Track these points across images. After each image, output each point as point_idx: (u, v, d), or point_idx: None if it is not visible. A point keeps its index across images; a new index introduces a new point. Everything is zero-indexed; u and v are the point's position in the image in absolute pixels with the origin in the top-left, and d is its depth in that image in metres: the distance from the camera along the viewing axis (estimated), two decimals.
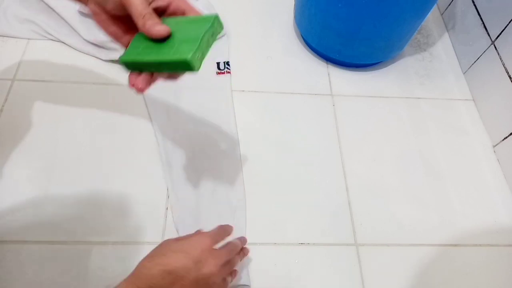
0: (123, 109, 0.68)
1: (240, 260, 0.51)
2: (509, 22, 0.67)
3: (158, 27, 0.36)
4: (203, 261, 0.43)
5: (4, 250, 0.54)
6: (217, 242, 0.47)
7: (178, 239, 0.46)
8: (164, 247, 0.44)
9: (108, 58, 0.72)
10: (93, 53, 0.72)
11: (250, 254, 0.56)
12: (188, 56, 0.35)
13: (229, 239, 0.51)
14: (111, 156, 0.63)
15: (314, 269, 0.57)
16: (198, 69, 0.37)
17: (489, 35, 0.73)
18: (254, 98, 0.73)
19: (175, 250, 0.43)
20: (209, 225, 0.58)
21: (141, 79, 0.39)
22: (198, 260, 0.43)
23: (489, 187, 0.67)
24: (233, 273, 0.49)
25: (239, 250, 0.51)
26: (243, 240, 0.53)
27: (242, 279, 0.54)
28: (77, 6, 0.74)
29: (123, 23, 0.39)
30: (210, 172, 0.63)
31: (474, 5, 0.77)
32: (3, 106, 0.66)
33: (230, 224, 0.58)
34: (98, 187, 0.60)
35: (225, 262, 0.45)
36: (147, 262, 0.42)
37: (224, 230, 0.50)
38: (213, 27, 0.37)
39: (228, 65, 0.76)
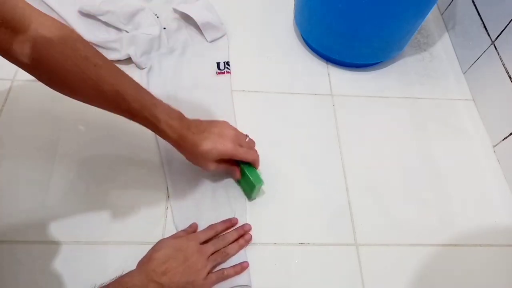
0: None
1: (242, 248, 0.56)
2: (509, 22, 0.67)
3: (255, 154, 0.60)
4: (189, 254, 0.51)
5: (4, 250, 0.54)
6: (204, 239, 0.54)
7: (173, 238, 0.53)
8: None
9: (108, 58, 0.72)
10: None
11: (250, 254, 0.56)
12: (259, 183, 0.58)
13: None
14: (111, 156, 0.63)
15: (314, 269, 0.57)
16: (252, 197, 0.62)
17: (489, 35, 0.73)
18: (254, 98, 0.73)
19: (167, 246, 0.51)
20: (208, 225, 0.58)
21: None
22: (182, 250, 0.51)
23: (489, 187, 0.67)
24: (224, 256, 0.54)
25: (233, 238, 0.56)
26: (246, 227, 0.58)
27: (242, 279, 0.54)
28: (77, 6, 0.74)
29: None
30: (210, 174, 0.63)
31: (474, 5, 0.77)
32: (3, 106, 0.66)
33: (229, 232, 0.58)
34: (98, 187, 0.60)
35: (210, 255, 0.52)
36: (153, 252, 0.50)
37: (211, 228, 0.56)
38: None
39: (228, 65, 0.76)
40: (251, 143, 0.61)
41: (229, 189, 0.62)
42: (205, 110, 0.69)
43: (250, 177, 0.57)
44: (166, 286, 0.47)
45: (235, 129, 0.58)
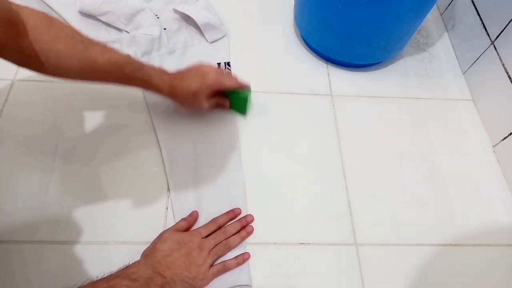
0: (123, 109, 0.68)
1: (244, 239, 0.57)
2: (509, 22, 0.68)
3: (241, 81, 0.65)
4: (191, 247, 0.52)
5: (4, 250, 0.54)
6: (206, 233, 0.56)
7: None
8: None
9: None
10: None
11: (250, 254, 0.57)
12: (248, 93, 0.66)
13: None
14: (111, 156, 0.63)
15: (314, 269, 0.57)
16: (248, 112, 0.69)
17: (488, 35, 0.73)
18: (254, 98, 0.73)
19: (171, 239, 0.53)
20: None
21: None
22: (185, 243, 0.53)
23: (488, 187, 0.67)
24: (226, 249, 0.55)
25: (235, 230, 0.57)
26: (248, 218, 0.59)
27: (243, 279, 0.54)
28: (77, 7, 0.74)
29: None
30: (211, 171, 0.63)
31: (474, 5, 0.78)
32: (3, 106, 0.66)
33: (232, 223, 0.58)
34: (98, 187, 0.60)
35: (212, 249, 0.54)
36: (158, 243, 0.52)
37: (214, 222, 0.57)
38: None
39: (229, 65, 0.76)
40: (229, 73, 0.69)
41: (230, 189, 0.62)
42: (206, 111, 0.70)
43: (239, 93, 0.65)
44: (169, 280, 0.49)
45: (212, 65, 0.63)
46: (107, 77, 0.54)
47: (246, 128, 0.69)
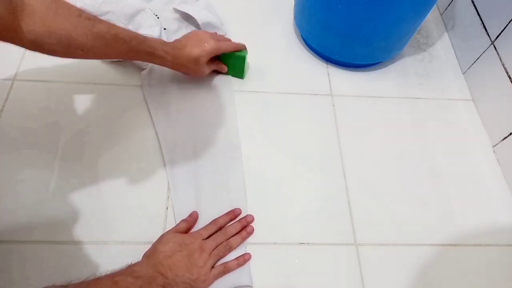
0: (123, 109, 0.68)
1: (245, 240, 0.57)
2: (509, 22, 0.68)
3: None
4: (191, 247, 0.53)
5: (4, 250, 0.54)
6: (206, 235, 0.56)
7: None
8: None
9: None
10: None
11: (250, 255, 0.57)
12: (245, 53, 0.70)
13: None
14: (112, 156, 0.63)
15: (314, 269, 0.57)
16: (245, 73, 0.74)
17: (488, 35, 0.73)
18: (254, 98, 0.73)
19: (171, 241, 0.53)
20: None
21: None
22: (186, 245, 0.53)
23: (488, 187, 0.67)
24: (227, 250, 0.56)
25: (235, 231, 0.57)
26: (248, 219, 0.59)
27: (244, 279, 0.54)
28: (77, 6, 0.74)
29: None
30: (211, 171, 0.63)
31: (474, 5, 0.78)
32: (3, 106, 0.66)
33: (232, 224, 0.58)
34: (98, 187, 0.60)
35: (213, 250, 0.54)
36: (159, 245, 0.52)
37: (214, 223, 0.57)
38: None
39: None
40: (223, 36, 0.72)
41: (230, 189, 0.62)
42: (207, 110, 0.70)
43: (236, 55, 0.69)
44: (171, 280, 0.49)
45: (208, 31, 0.68)
46: (115, 52, 0.56)
47: (246, 128, 0.69)
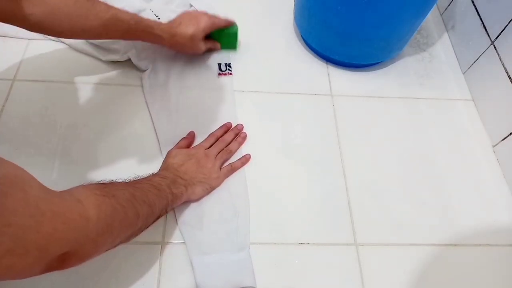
0: (123, 109, 0.68)
1: (241, 144, 0.66)
2: (509, 22, 0.68)
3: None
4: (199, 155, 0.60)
5: None
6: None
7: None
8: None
9: (107, 59, 0.72)
10: (93, 53, 0.72)
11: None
12: (235, 28, 0.74)
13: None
14: (112, 156, 0.63)
15: (314, 269, 0.57)
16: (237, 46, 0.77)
17: (488, 35, 0.73)
18: (254, 98, 0.73)
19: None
20: (212, 225, 0.58)
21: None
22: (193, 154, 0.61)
23: (488, 187, 0.67)
24: (228, 153, 0.64)
25: (231, 138, 0.65)
26: (239, 127, 0.67)
27: (248, 281, 0.54)
28: None
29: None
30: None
31: (474, 5, 0.78)
32: (3, 106, 0.66)
33: (233, 224, 0.59)
34: None
35: (216, 154, 0.62)
36: (169, 159, 0.59)
37: (212, 135, 0.65)
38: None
39: (230, 66, 0.76)
40: (215, 15, 0.73)
41: (231, 189, 0.62)
42: (207, 111, 0.70)
43: (228, 30, 0.72)
44: (189, 181, 0.57)
45: (200, 10, 0.71)
46: (113, 32, 0.59)
47: (246, 128, 0.69)
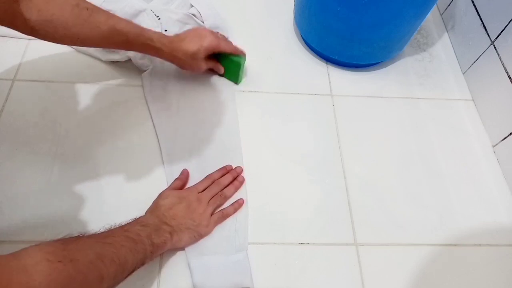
0: (123, 109, 0.68)
1: (237, 189, 0.61)
2: (509, 23, 0.68)
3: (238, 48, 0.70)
4: (191, 200, 0.56)
5: (4, 250, 0.54)
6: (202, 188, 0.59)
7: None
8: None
9: (107, 59, 0.72)
10: (93, 53, 0.72)
11: (250, 254, 0.57)
12: (242, 59, 0.69)
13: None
14: (112, 156, 0.63)
15: (314, 269, 0.57)
16: (240, 78, 0.73)
17: (488, 35, 0.73)
18: (254, 98, 0.73)
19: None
20: None
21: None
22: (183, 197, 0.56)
23: (488, 187, 0.67)
24: (222, 199, 0.59)
25: (228, 181, 0.61)
26: (238, 170, 0.63)
27: (245, 282, 0.54)
28: None
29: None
30: (211, 171, 0.63)
31: (474, 5, 0.78)
32: (3, 106, 0.66)
33: (231, 225, 0.59)
34: (98, 187, 0.60)
35: (209, 199, 0.57)
36: (159, 200, 0.56)
37: (208, 178, 0.61)
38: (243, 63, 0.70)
39: None
40: (225, 37, 0.72)
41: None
42: (208, 111, 0.70)
43: (233, 58, 0.68)
44: (176, 228, 0.53)
45: (208, 29, 0.68)
46: (110, 42, 0.57)
47: (247, 128, 0.69)
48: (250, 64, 0.77)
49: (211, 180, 0.60)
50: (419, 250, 0.60)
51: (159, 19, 0.76)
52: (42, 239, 0.55)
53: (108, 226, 0.48)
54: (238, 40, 0.79)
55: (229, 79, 0.73)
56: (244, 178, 0.62)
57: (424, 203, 0.65)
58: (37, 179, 0.60)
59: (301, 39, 0.82)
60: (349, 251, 0.59)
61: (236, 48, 0.69)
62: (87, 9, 0.52)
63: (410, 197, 0.65)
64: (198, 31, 0.65)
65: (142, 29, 0.59)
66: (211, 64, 0.69)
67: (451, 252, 0.61)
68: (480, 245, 0.62)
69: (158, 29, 0.74)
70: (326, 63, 0.80)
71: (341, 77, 0.78)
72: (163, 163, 0.63)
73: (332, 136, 0.70)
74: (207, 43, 0.64)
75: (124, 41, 0.57)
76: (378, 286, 0.57)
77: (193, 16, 0.77)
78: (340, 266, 0.58)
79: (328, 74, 0.78)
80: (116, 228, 0.48)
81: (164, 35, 0.63)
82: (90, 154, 0.63)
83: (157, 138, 0.66)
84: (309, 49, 0.81)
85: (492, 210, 0.65)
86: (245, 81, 0.75)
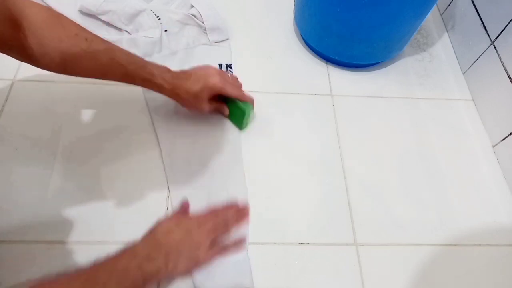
0: (123, 109, 0.68)
1: (239, 222, 0.55)
2: (509, 23, 0.68)
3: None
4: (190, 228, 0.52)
5: (4, 250, 0.54)
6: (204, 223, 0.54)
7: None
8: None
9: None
10: None
11: (250, 254, 0.57)
12: (249, 107, 0.65)
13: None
14: (112, 156, 0.63)
15: (314, 269, 0.57)
16: (244, 125, 0.68)
17: (488, 35, 0.73)
18: (254, 98, 0.73)
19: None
20: None
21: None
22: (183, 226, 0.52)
23: (488, 187, 0.67)
24: (223, 230, 0.54)
25: (230, 214, 0.55)
26: (243, 207, 0.57)
27: (245, 282, 0.54)
28: (78, 6, 0.74)
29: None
30: (211, 172, 0.63)
31: (474, 5, 0.78)
32: (3, 106, 0.66)
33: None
34: (98, 187, 0.60)
35: (210, 227, 0.52)
36: (157, 225, 0.51)
37: (211, 209, 0.56)
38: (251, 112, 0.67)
39: (231, 67, 0.76)
40: (235, 79, 0.67)
41: (231, 190, 0.62)
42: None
43: (238, 104, 0.64)
44: (172, 256, 0.49)
45: (218, 69, 0.63)
46: (109, 74, 0.55)
47: (246, 128, 0.69)
48: (250, 64, 0.77)
49: (214, 211, 0.56)
50: (419, 250, 0.60)
51: (159, 19, 0.76)
52: (42, 239, 0.55)
53: (94, 258, 0.45)
54: (238, 40, 0.80)
55: (233, 123, 0.69)
56: (248, 212, 0.57)
57: (424, 203, 0.65)
58: (36, 179, 0.60)
59: (301, 39, 0.82)
60: (349, 251, 0.59)
61: (243, 94, 0.65)
62: (86, 39, 0.50)
63: (410, 197, 0.65)
64: (205, 70, 0.62)
65: (145, 62, 0.56)
66: (215, 106, 0.65)
67: (451, 252, 0.61)
68: (480, 245, 0.62)
69: (157, 30, 0.74)
70: (326, 63, 0.80)
71: (341, 77, 0.78)
72: (162, 162, 0.63)
73: (332, 136, 0.70)
74: (212, 83, 0.60)
75: (124, 74, 0.55)
76: (378, 286, 0.57)
77: (193, 17, 0.78)
78: (340, 266, 0.58)
79: (328, 74, 0.78)
80: (102, 262, 0.45)
81: (168, 69, 0.60)
82: (90, 154, 0.63)
83: (157, 137, 0.66)
84: (309, 49, 0.81)
85: (492, 210, 0.65)
86: (249, 75, 0.73)
